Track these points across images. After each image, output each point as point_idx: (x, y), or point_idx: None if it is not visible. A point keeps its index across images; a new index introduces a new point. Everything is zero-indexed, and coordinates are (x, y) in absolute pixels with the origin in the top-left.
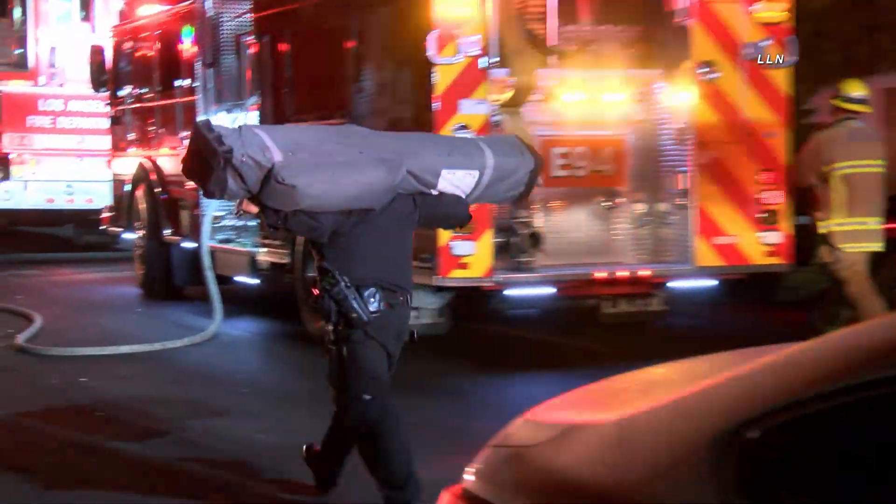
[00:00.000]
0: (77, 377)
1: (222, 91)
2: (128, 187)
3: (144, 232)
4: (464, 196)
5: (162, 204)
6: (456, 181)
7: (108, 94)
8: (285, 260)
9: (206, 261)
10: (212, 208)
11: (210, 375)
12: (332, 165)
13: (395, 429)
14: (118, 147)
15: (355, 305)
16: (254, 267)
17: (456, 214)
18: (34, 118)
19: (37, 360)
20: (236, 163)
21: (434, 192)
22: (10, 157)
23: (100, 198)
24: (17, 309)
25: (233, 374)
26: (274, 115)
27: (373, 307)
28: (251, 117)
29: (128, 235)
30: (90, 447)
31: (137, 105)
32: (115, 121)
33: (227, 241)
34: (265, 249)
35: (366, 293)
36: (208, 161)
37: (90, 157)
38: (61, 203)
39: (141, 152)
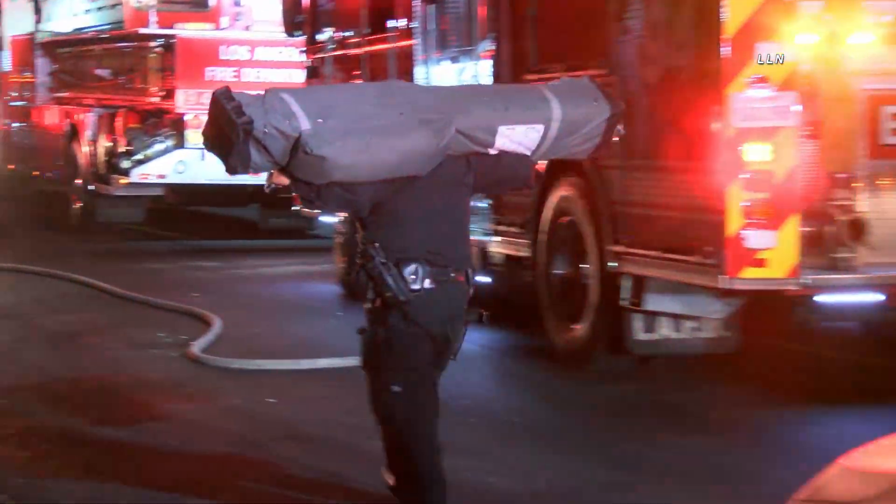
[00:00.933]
0: (263, 396)
1: (447, 34)
2: None
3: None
4: (529, 153)
5: None
6: (517, 138)
7: (303, 39)
8: (524, 252)
9: None
10: None
11: None
12: (368, 131)
13: (425, 429)
14: None
15: (391, 283)
16: (484, 260)
17: (517, 176)
18: (214, 70)
19: (215, 373)
20: (258, 134)
21: (492, 152)
22: (186, 118)
23: None
24: (192, 310)
25: (456, 399)
26: (512, 63)
27: (414, 286)
28: (483, 66)
29: (326, 219)
30: (282, 482)
31: (340, 52)
32: (312, 72)
33: None
34: (499, 239)
35: (406, 269)
36: (228, 134)
37: None
38: (245, 177)
39: None
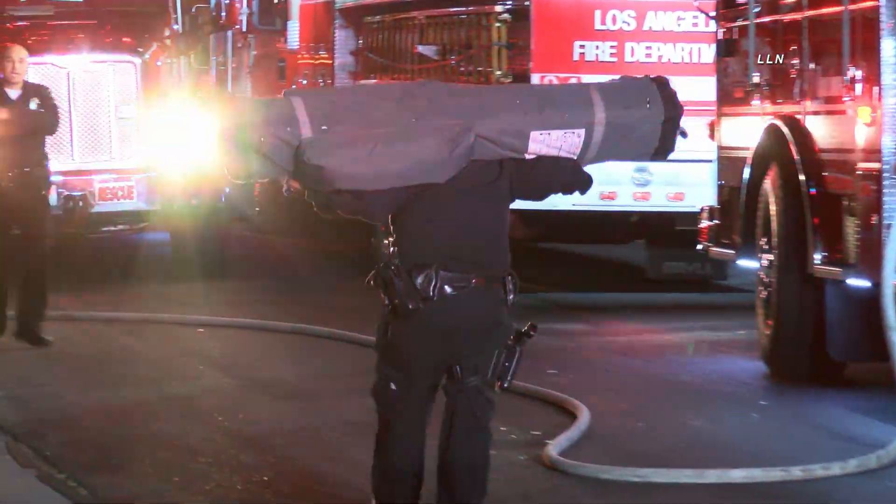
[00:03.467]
0: None
1: None
2: (747, 172)
3: (775, 256)
4: (574, 157)
5: (811, 204)
6: (553, 143)
7: (714, 1)
8: None
9: (892, 315)
10: None
11: None
12: (374, 139)
13: (410, 428)
14: (729, 97)
15: (399, 291)
16: None
17: (559, 181)
18: (586, 45)
19: (580, 485)
20: (252, 145)
21: (528, 157)
22: None
23: (697, 191)
24: (548, 394)
25: None
26: None
27: (427, 293)
28: None
29: (745, 262)
30: None
31: (769, 19)
32: (726, 47)
33: None
34: None
35: (419, 278)
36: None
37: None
38: (627, 200)
39: (774, 107)
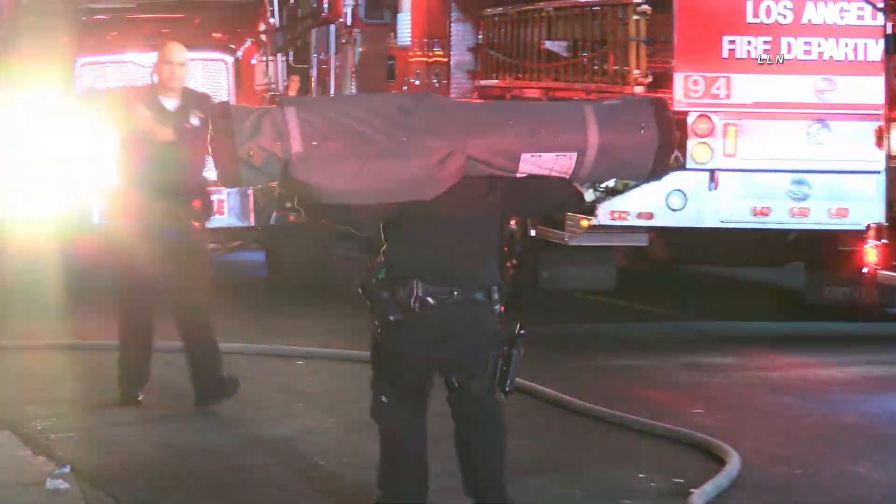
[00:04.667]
0: None
1: None
2: None
3: None
4: (567, 177)
5: None
6: (544, 164)
7: None
8: None
9: None
10: None
11: None
12: (365, 156)
13: (406, 444)
14: None
15: (384, 303)
16: None
17: (549, 200)
18: (736, 41)
19: None
20: (241, 156)
21: (519, 176)
22: (689, 120)
23: (863, 207)
24: (693, 437)
25: None
26: None
27: (407, 305)
28: None
29: None
30: None
31: None
32: (894, 43)
33: None
34: None
35: (403, 291)
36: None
37: (844, 123)
38: (782, 216)
39: None
